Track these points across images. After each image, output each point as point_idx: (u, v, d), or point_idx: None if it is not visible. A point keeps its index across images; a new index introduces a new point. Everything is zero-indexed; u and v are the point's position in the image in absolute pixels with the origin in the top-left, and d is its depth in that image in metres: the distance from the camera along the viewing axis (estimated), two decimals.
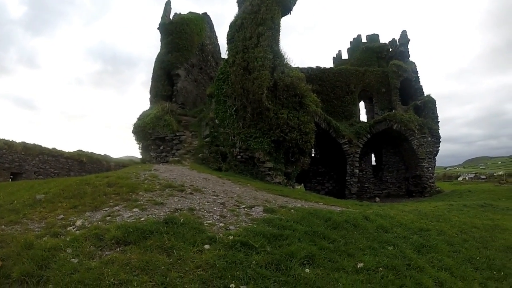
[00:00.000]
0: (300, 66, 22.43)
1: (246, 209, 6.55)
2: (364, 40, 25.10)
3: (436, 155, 20.82)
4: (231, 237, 4.63)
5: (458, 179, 36.84)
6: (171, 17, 19.28)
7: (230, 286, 3.46)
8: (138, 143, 18.36)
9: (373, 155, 23.04)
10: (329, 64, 26.04)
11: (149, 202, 6.37)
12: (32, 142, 17.72)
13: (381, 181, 22.17)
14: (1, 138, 15.82)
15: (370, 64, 23.32)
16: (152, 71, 19.27)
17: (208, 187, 8.19)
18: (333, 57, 26.28)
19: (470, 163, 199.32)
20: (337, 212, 7.40)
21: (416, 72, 22.32)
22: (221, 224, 5.36)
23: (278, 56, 15.52)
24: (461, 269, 5.36)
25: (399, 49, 23.14)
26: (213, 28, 22.50)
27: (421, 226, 7.21)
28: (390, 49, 24.19)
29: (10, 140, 16.49)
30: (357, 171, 19.96)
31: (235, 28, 15.78)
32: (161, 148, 17.21)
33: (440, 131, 20.78)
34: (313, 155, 23.09)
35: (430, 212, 9.31)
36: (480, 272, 5.44)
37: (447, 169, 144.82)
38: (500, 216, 10.41)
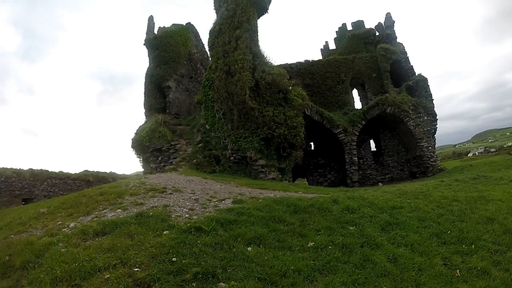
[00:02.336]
0: (289, 62, 23.36)
1: (216, 202, 7.45)
2: (349, 27, 25.62)
3: (434, 133, 21.10)
4: (188, 224, 5.56)
5: (468, 155, 36.59)
6: (156, 31, 20.49)
7: (173, 259, 4.38)
8: (138, 157, 19.57)
9: (372, 141, 23.48)
10: (318, 56, 26.69)
11: (131, 204, 7.40)
12: (39, 168, 19.25)
13: (383, 166, 22.58)
14: (9, 167, 17.30)
15: (358, 51, 23.82)
16: (143, 86, 20.47)
17: (188, 187, 9.15)
18: (321, 49, 26.93)
19: (478, 138, 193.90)
20: (307, 198, 8.00)
21: (405, 53, 22.69)
22: (186, 216, 6.29)
23: (258, 56, 16.40)
24: (424, 245, 5.41)
25: (385, 32, 23.60)
26: (199, 36, 23.59)
27: (394, 205, 7.41)
28: (377, 33, 24.64)
29: (18, 168, 18.03)
30: (356, 159, 20.47)
31: (215, 35, 16.79)
32: (159, 158, 18.34)
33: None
34: (312, 148, 23.85)
35: (413, 190, 9.53)
36: (447, 247, 5.41)
37: (456, 146, 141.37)
38: (490, 187, 10.50)
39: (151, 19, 20.31)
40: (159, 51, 19.71)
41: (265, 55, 17.09)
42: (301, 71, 22.82)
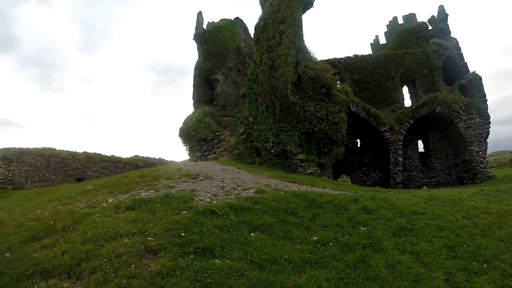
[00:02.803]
0: (337, 56, 22.89)
1: (240, 190, 7.79)
2: (400, 21, 24.17)
3: (487, 137, 19.45)
4: (205, 207, 5.96)
5: None
6: (204, 26, 21.34)
7: (181, 234, 4.80)
8: (184, 145, 20.69)
9: (420, 142, 22.20)
10: (368, 51, 25.72)
11: (164, 186, 8.05)
12: (93, 152, 21.23)
13: (429, 168, 21.28)
14: (66, 150, 19.39)
15: (410, 45, 22.45)
16: (193, 79, 21.51)
17: (220, 175, 9.60)
18: (371, 43, 25.86)
19: None
20: (329, 194, 8.03)
21: (459, 49, 20.98)
22: (208, 200, 6.71)
23: (301, 51, 16.38)
24: (432, 256, 5.08)
25: (438, 26, 21.90)
26: (248, 30, 24.02)
27: (416, 210, 7.05)
28: (429, 27, 22.96)
29: (74, 151, 20.10)
30: (401, 159, 19.54)
31: (259, 30, 17.08)
32: (204, 148, 19.23)
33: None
34: (359, 145, 23.23)
35: (445, 196, 8.97)
36: (456, 261, 4.99)
37: None
38: None
39: (199, 15, 21.20)
40: (208, 45, 20.53)
41: (309, 50, 17.01)
42: (350, 66, 22.24)
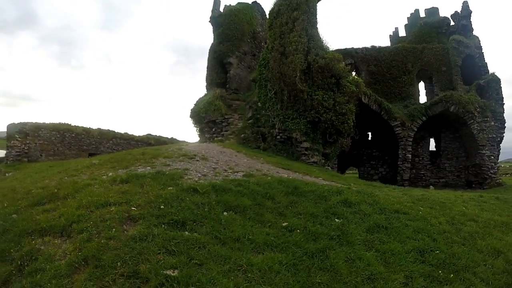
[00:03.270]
0: (355, 47, 22.79)
1: (230, 172, 8.32)
2: (422, 14, 23.68)
3: (500, 142, 19.26)
4: (190, 185, 6.58)
5: None
6: (221, 9, 21.62)
7: (161, 207, 5.42)
8: (195, 126, 21.40)
9: (432, 140, 22.07)
10: (386, 43, 25.35)
11: (161, 164, 8.72)
12: (106, 128, 22.27)
13: (439, 168, 21.21)
14: (80, 125, 20.53)
15: (429, 40, 22.03)
16: (206, 61, 22.01)
17: (216, 157, 10.17)
18: (390, 35, 25.45)
19: None
20: (316, 184, 8.28)
21: (480, 48, 20.51)
22: (196, 179, 7.30)
23: (313, 39, 16.51)
24: (399, 256, 4.97)
25: (461, 22, 21.36)
26: (265, 15, 23.96)
27: (399, 209, 6.98)
28: (451, 23, 22.39)
29: (88, 127, 21.19)
30: (410, 156, 19.61)
31: (273, 15, 17.25)
32: (213, 130, 19.86)
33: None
34: (370, 138, 23.34)
35: (436, 198, 8.73)
36: (422, 267, 4.83)
37: None
38: None
39: None
40: (223, 28, 20.84)
41: (321, 38, 17.10)
42: (367, 57, 22.12)
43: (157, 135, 25.77)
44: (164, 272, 3.80)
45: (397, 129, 19.85)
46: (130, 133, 23.81)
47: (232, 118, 19.03)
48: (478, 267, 5.08)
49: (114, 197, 5.85)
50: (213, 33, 21.72)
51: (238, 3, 22.08)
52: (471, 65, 20.84)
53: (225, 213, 5.55)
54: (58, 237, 4.87)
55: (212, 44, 21.78)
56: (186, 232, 4.76)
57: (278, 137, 16.90)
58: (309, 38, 16.39)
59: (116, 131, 23.06)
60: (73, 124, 20.71)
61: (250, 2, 22.84)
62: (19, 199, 6.69)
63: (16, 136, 17.71)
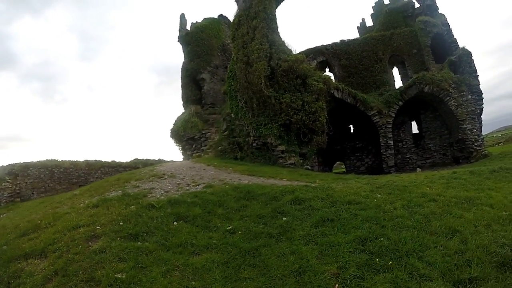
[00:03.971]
0: (324, 43, 24.44)
1: (192, 186, 9.80)
2: (386, 1, 25.30)
3: (480, 114, 20.43)
4: (149, 202, 8.11)
5: None
6: (188, 27, 23.49)
7: (120, 223, 6.99)
8: (177, 145, 23.15)
9: (414, 123, 23.45)
10: (355, 35, 26.95)
11: (131, 186, 10.30)
12: (93, 159, 24.14)
13: (424, 149, 22.51)
14: (67, 160, 22.45)
15: (397, 26, 23.60)
16: (180, 80, 23.80)
17: (184, 173, 11.75)
18: (357, 27, 27.05)
19: None
20: (271, 186, 9.22)
21: (447, 25, 21.92)
22: (158, 196, 8.80)
23: (274, 44, 18.04)
24: (338, 247, 5.31)
25: (425, 3, 22.91)
26: None
27: (353, 200, 7.49)
28: (417, 5, 23.96)
29: (75, 160, 23.29)
30: (391, 142, 20.86)
31: (235, 27, 18.98)
32: (193, 146, 21.57)
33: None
34: (352, 131, 24.85)
35: (400, 183, 9.26)
36: (362, 255, 5.08)
37: None
38: (502, 185, 9.19)
39: (182, 17, 23.33)
40: (192, 46, 22.70)
41: (284, 42, 18.71)
42: (337, 52, 23.74)
43: (144, 158, 27.42)
44: (115, 275, 5.20)
45: (375, 118, 21.12)
46: (117, 160, 25.58)
47: (210, 133, 20.72)
48: (427, 251, 5.15)
49: (83, 220, 7.44)
50: (183, 51, 23.58)
51: (204, 19, 23.95)
52: (441, 43, 22.26)
53: (175, 223, 6.89)
54: (38, 258, 6.42)
55: (184, 62, 23.61)
56: (139, 243, 6.19)
57: (254, 144, 18.43)
58: (270, 44, 17.94)
59: (103, 160, 24.88)
60: (60, 160, 22.62)
61: (216, 17, 24.68)
62: (9, 233, 8.23)
63: (6, 178, 19.57)
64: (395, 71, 24.72)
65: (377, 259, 4.98)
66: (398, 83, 23.98)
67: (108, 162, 24.38)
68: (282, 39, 18.89)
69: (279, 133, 17.78)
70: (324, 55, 23.89)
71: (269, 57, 17.87)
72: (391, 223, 6.17)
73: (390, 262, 4.90)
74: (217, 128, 21.02)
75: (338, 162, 26.35)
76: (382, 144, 21.19)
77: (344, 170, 24.71)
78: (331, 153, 23.87)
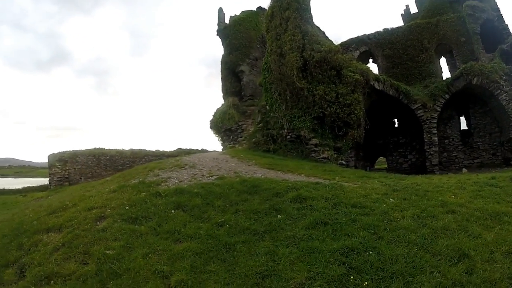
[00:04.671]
0: (367, 33, 23.61)
1: (206, 177, 9.93)
2: None
3: None
4: (158, 190, 8.66)
5: None
6: (227, 21, 23.97)
7: (126, 207, 7.57)
8: (216, 136, 23.90)
9: (463, 119, 21.79)
10: (399, 23, 25.53)
11: (153, 175, 10.91)
12: (138, 148, 25.80)
13: (472, 148, 20.83)
14: (113, 148, 24.23)
15: (443, 12, 21.93)
16: (220, 73, 24.44)
17: (204, 164, 12.10)
18: (402, 14, 25.54)
19: None
20: (278, 181, 8.90)
21: (498, 10, 19.93)
22: (170, 185, 9.33)
23: (307, 34, 17.75)
24: (318, 255, 4.94)
25: None
26: None
27: (358, 203, 6.95)
28: None
29: (121, 148, 24.98)
30: (436, 139, 19.67)
31: (268, 19, 19.02)
32: (230, 137, 22.12)
33: None
34: (396, 125, 23.80)
35: (423, 187, 8.34)
36: (338, 269, 4.57)
37: None
38: None
39: (220, 11, 23.82)
40: (230, 39, 23.13)
41: (320, 31, 18.52)
42: (380, 42, 22.80)
43: (188, 148, 28.71)
44: (105, 251, 5.78)
45: (419, 111, 20.03)
46: (161, 149, 27.11)
47: (246, 124, 21.11)
48: (419, 276, 4.38)
49: (99, 203, 8.15)
50: (222, 45, 24.13)
51: (242, 11, 24.26)
52: (491, 30, 20.48)
53: (173, 211, 7.21)
54: (56, 232, 7.19)
55: (223, 55, 24.18)
56: (136, 226, 6.65)
57: (288, 137, 18.41)
58: (303, 35, 17.63)
59: (147, 149, 26.51)
60: (106, 148, 24.62)
61: (254, 9, 24.89)
62: (42, 211, 9.22)
63: (57, 164, 21.78)
64: (443, 61, 23.21)
65: (352, 276, 4.41)
66: (446, 74, 22.46)
67: (152, 151, 25.89)
68: (317, 29, 18.62)
69: (313, 126, 17.51)
70: (367, 45, 23.08)
71: (301, 48, 17.60)
72: (390, 235, 5.45)
73: (366, 282, 4.29)
74: (253, 120, 21.33)
75: (381, 158, 25.42)
76: (426, 141, 20.05)
77: (386, 166, 23.80)
78: (373, 148, 23.13)
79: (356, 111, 17.44)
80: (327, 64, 17.35)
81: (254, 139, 19.38)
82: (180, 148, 28.00)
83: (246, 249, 5.41)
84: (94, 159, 23.24)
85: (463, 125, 22.00)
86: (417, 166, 21.38)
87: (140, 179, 10.37)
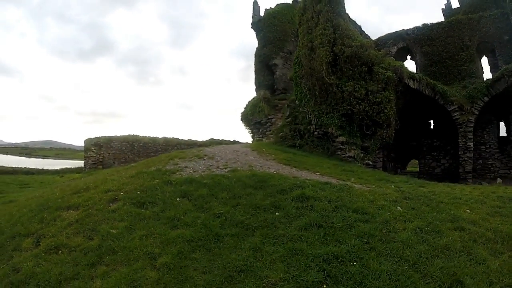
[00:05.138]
0: (405, 28, 22.77)
1: (221, 169, 10.10)
2: None
3: None
4: (170, 179, 9.07)
5: None
6: (262, 13, 24.05)
7: (137, 192, 8.08)
8: (246, 129, 24.26)
9: (502, 124, 20.45)
10: (440, 18, 24.20)
11: (172, 163, 11.34)
12: (171, 136, 26.78)
13: (510, 157, 19.48)
14: (147, 136, 25.33)
15: (486, 7, 20.53)
16: (254, 65, 24.65)
17: (223, 156, 12.30)
18: (442, 9, 24.14)
19: None
20: (287, 178, 8.90)
21: None
22: (184, 174, 9.70)
23: (339, 28, 17.28)
24: (299, 259, 4.92)
25: None
26: None
27: (360, 207, 6.68)
28: None
29: (154, 136, 26.01)
30: (471, 144, 18.65)
31: (301, 12, 18.85)
32: (260, 130, 22.37)
33: None
34: (432, 127, 22.85)
35: (438, 197, 7.81)
36: (314, 276, 4.48)
37: None
38: None
39: (255, 3, 23.88)
40: (264, 32, 23.19)
41: (354, 26, 18.09)
42: (419, 38, 21.85)
43: (220, 138, 29.38)
44: (110, 230, 6.29)
45: (455, 114, 19.11)
46: (194, 139, 27.97)
47: (275, 118, 21.23)
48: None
49: (116, 186, 8.71)
50: (256, 37, 24.28)
51: (277, 4, 24.20)
52: None
53: (178, 199, 7.58)
54: (74, 210, 7.79)
55: (257, 48, 24.34)
56: (142, 210, 7.12)
57: (316, 133, 18.19)
58: (334, 29, 17.23)
59: (180, 138, 27.49)
60: (141, 135, 25.86)
61: (290, 2, 24.76)
62: (68, 191, 9.97)
63: (92, 148, 23.27)
64: (484, 61, 21.86)
65: (325, 286, 4.33)
66: (487, 75, 21.13)
67: (184, 140, 26.82)
68: (350, 24, 18.21)
69: (340, 123, 17.18)
70: (405, 41, 22.24)
71: (332, 43, 17.21)
72: (383, 247, 5.13)
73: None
74: (283, 114, 21.41)
75: (413, 160, 24.57)
76: (461, 145, 19.09)
77: (418, 170, 22.98)
78: (406, 149, 22.44)
79: (386, 110, 16.95)
80: (358, 59, 16.93)
81: (281, 134, 19.48)
82: (212, 139, 28.69)
83: (233, 242, 5.59)
84: (128, 145, 24.59)
85: (502, 131, 20.65)
86: (450, 172, 20.50)
87: (159, 167, 10.86)
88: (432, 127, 22.61)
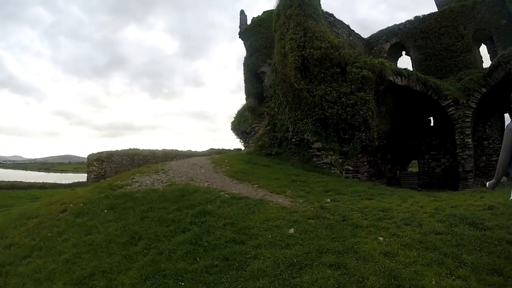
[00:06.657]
0: (397, 23, 25.15)
1: (162, 183, 13.23)
2: None
3: None
4: (109, 193, 12.60)
5: None
6: (248, 23, 27.49)
7: (81, 205, 11.66)
8: (237, 138, 27.67)
9: (507, 116, 21.76)
10: (433, 9, 25.99)
11: (129, 178, 14.62)
12: (170, 148, 30.92)
13: None
14: (146, 149, 29.82)
15: None
16: (243, 75, 28.13)
17: (177, 170, 15.29)
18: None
19: None
20: (210, 192, 10.89)
21: None
22: (129, 188, 13.19)
23: (309, 31, 19.75)
24: (148, 270, 6.09)
25: None
26: None
27: (248, 228, 7.50)
28: None
29: (154, 149, 30.40)
30: (470, 140, 20.01)
31: (275, 19, 21.97)
32: (247, 139, 25.68)
33: None
34: (431, 124, 24.75)
35: (376, 215, 8.19)
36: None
37: None
38: None
39: (242, 13, 27.57)
40: (251, 41, 26.58)
41: (324, 26, 20.36)
42: (411, 32, 24.09)
43: (220, 148, 33.21)
44: (47, 234, 9.96)
45: (450, 109, 20.51)
46: (193, 149, 32.27)
47: (258, 127, 24.44)
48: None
49: (71, 199, 12.45)
50: (244, 46, 27.79)
51: (263, 12, 27.52)
52: None
53: (105, 211, 10.48)
54: (36, 218, 11.45)
55: (245, 57, 27.88)
56: (77, 219, 10.27)
57: (293, 140, 20.60)
58: (305, 32, 19.70)
59: (179, 149, 31.82)
60: (141, 148, 30.86)
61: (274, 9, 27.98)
62: (46, 202, 13.64)
63: (94, 163, 28.16)
64: (484, 50, 23.75)
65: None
66: (488, 64, 22.73)
67: (183, 151, 31.13)
68: (325, 25, 20.72)
69: (315, 128, 19.30)
70: (398, 36, 24.60)
71: (302, 47, 19.52)
72: (231, 274, 5.61)
73: None
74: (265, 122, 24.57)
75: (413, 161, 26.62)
76: (458, 143, 20.54)
77: (417, 170, 25.06)
78: (404, 149, 24.55)
79: (362, 112, 18.93)
80: (329, 61, 19.07)
81: (260, 142, 22.56)
82: (212, 148, 32.53)
83: (117, 248, 7.48)
84: (128, 159, 29.68)
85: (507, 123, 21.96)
86: (451, 171, 22.29)
87: (115, 182, 14.49)
88: (432, 124, 24.56)
